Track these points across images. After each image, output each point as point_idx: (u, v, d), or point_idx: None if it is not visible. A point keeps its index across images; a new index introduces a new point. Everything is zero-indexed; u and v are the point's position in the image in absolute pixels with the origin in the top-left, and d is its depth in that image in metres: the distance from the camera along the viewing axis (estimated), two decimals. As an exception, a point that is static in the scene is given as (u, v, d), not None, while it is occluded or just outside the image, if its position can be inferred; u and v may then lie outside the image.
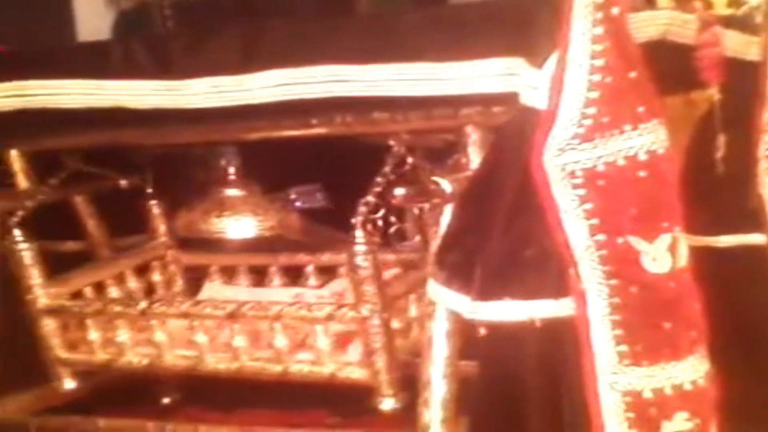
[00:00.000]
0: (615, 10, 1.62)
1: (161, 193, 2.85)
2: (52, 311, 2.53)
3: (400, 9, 2.99)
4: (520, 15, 1.85)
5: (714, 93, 2.11)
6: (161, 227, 2.86)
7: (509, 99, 1.88)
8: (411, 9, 2.87)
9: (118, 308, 2.48)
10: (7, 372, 2.69)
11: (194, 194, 2.78)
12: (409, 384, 2.19)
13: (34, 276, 2.52)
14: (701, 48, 2.04)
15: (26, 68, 2.39)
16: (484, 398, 1.98)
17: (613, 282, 1.71)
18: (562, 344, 1.81)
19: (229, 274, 2.81)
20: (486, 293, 1.82)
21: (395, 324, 2.24)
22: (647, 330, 1.73)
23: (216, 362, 2.39)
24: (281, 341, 2.30)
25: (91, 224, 2.85)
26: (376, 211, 2.18)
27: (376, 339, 2.18)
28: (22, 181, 2.67)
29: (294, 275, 2.76)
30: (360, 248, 2.15)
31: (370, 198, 2.16)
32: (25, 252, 2.52)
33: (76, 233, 2.89)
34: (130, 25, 3.28)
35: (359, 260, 2.15)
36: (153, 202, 2.85)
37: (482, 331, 2.02)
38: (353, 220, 2.14)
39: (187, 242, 2.84)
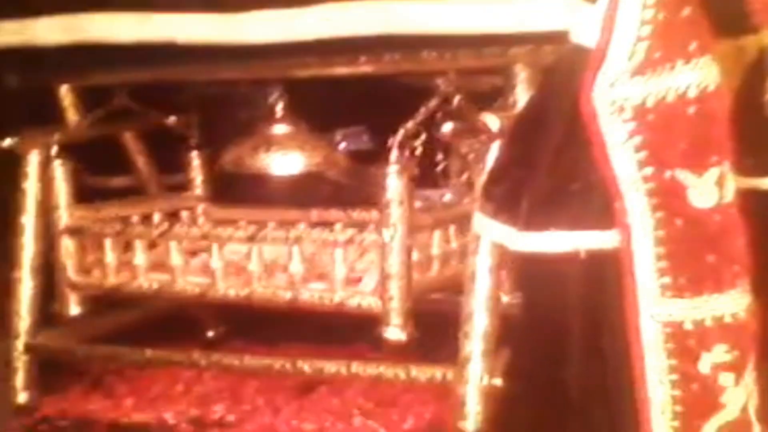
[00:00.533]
0: (669, -53, 1.65)
1: (207, 132, 2.89)
2: (72, 231, 2.57)
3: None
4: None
5: (765, 36, 2.12)
6: (198, 178, 2.90)
7: (558, 38, 1.92)
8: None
9: (138, 229, 2.52)
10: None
11: (240, 133, 2.80)
12: (423, 322, 2.24)
13: (62, 194, 2.57)
14: (754, -9, 2.04)
15: (77, 1, 2.44)
16: (526, 330, 2.03)
17: (659, 215, 1.74)
18: (605, 277, 1.85)
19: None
20: (532, 224, 1.85)
21: (415, 256, 2.24)
22: (691, 262, 1.76)
23: (227, 288, 2.40)
24: (296, 267, 2.31)
25: (140, 161, 2.90)
26: (415, 138, 2.21)
27: (394, 264, 2.18)
28: (72, 116, 2.74)
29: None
30: (393, 167, 2.17)
31: (410, 124, 2.19)
32: (59, 169, 2.57)
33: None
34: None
35: (390, 179, 2.17)
36: (193, 152, 2.88)
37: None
38: (390, 141, 2.17)
39: (221, 195, 2.86)
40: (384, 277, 2.20)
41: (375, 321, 2.31)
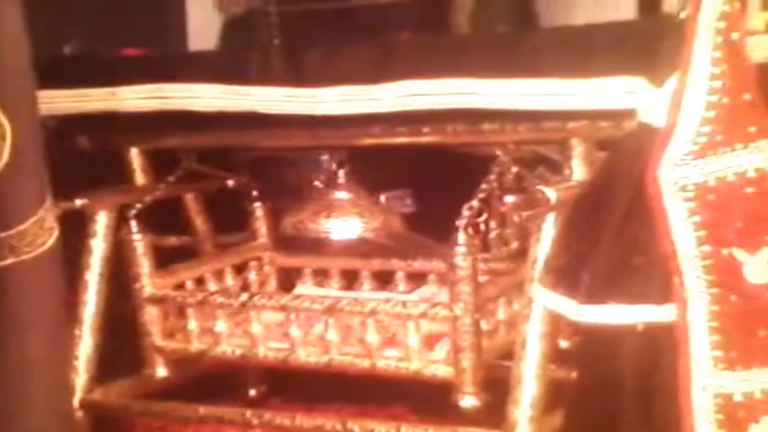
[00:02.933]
0: (734, 35, 1.74)
1: (265, 194, 2.96)
2: (156, 300, 2.63)
3: (494, 25, 3.11)
4: (643, 37, 2.00)
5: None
6: (262, 229, 2.96)
7: (615, 115, 2.04)
8: (505, 27, 2.97)
9: (219, 299, 2.58)
10: (111, 360, 2.78)
11: (294, 196, 2.88)
12: (490, 386, 2.29)
13: (144, 266, 2.63)
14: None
15: (164, 72, 2.53)
16: (580, 395, 2.09)
17: (715, 291, 1.81)
18: (659, 348, 1.91)
19: (320, 276, 2.90)
20: (593, 297, 1.92)
21: (484, 325, 2.32)
22: (743, 337, 1.83)
23: (307, 355, 2.47)
24: (372, 337, 2.38)
25: (199, 221, 2.97)
26: (479, 216, 2.28)
27: (465, 337, 2.26)
28: (140, 178, 2.81)
29: (384, 280, 2.84)
30: (461, 249, 2.24)
31: (475, 203, 2.26)
32: (138, 243, 2.63)
33: (178, 229, 3.00)
34: (238, 31, 3.41)
35: (459, 261, 2.24)
36: (257, 204, 2.95)
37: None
38: (457, 223, 2.23)
39: (285, 244, 2.94)
40: (456, 350, 2.28)
41: (418, 384, 2.39)
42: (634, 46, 2.02)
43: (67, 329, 2.55)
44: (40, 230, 1.88)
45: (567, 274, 1.98)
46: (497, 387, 2.30)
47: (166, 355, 2.65)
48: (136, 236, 2.63)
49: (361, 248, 2.85)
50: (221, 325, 2.56)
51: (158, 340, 2.64)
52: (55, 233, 1.92)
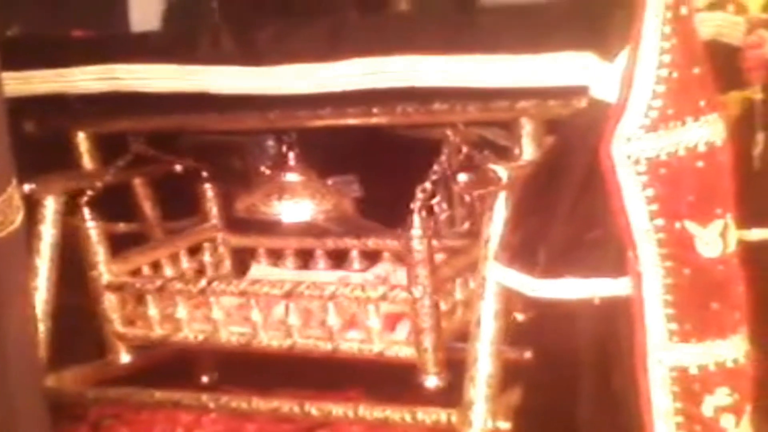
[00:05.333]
0: (683, 10, 1.76)
1: (214, 177, 2.95)
2: (115, 287, 2.61)
3: (435, 7, 3.10)
4: (593, 13, 2.00)
5: (755, 92, 2.23)
6: (213, 210, 2.95)
7: (565, 93, 2.04)
8: (446, 8, 2.97)
9: (178, 285, 2.57)
10: (64, 346, 2.72)
11: (242, 182, 2.86)
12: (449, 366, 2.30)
13: (100, 253, 2.61)
14: (747, 49, 2.16)
15: (115, 52, 2.49)
16: (537, 372, 2.11)
17: (668, 264, 1.83)
18: (615, 321, 1.94)
19: (275, 256, 2.90)
20: (549, 272, 1.95)
21: (442, 306, 2.32)
22: (696, 310, 1.85)
23: (270, 339, 2.46)
24: (333, 320, 2.38)
25: (148, 206, 2.94)
26: (432, 198, 2.30)
27: (426, 319, 2.27)
28: (88, 163, 2.77)
29: (338, 259, 2.84)
30: (416, 232, 2.24)
31: (428, 185, 2.26)
32: (92, 230, 2.60)
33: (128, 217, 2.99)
34: (181, 15, 3.37)
35: (415, 244, 2.24)
36: (207, 185, 2.93)
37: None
38: (412, 205, 2.23)
39: (237, 225, 2.93)
40: (417, 331, 2.28)
41: (373, 368, 2.41)
42: (584, 21, 2.03)
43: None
44: (9, 209, 1.86)
45: (522, 250, 2.00)
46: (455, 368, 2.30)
47: (128, 342, 2.63)
48: (90, 223, 2.60)
49: (311, 231, 2.85)
50: (181, 312, 2.55)
51: (119, 326, 2.61)
52: (22, 212, 1.90)
